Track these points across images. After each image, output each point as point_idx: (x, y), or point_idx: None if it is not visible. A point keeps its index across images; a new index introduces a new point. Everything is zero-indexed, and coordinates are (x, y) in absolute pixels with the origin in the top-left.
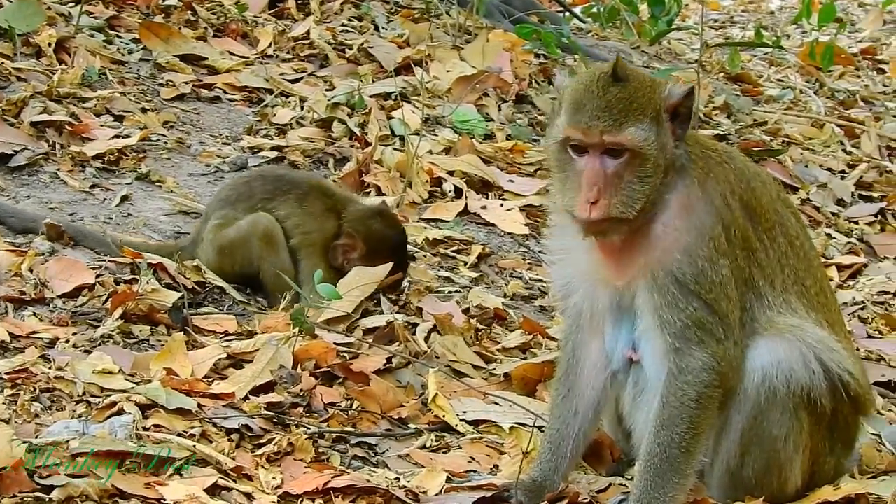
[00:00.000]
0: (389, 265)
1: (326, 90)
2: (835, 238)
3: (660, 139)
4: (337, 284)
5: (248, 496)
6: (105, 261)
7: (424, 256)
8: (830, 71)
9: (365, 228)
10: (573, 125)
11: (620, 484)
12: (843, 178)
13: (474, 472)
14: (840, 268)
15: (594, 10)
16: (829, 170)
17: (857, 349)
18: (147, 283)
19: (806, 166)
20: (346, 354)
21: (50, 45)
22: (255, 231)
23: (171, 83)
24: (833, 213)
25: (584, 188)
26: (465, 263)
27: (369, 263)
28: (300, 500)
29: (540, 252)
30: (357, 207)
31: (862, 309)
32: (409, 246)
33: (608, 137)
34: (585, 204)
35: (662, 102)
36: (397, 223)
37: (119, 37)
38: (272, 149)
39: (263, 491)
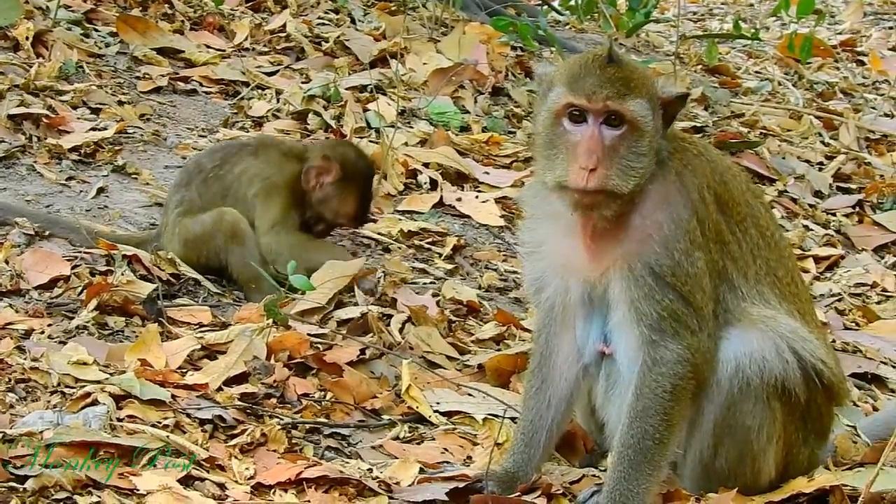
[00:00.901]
0: (362, 261)
1: (302, 83)
2: (812, 230)
3: (654, 122)
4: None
5: (222, 486)
6: (80, 252)
7: (399, 248)
8: (809, 63)
9: (341, 153)
10: (575, 93)
11: (593, 475)
12: (820, 169)
13: (447, 463)
14: (817, 259)
15: (571, 2)
16: (807, 161)
17: (834, 341)
18: (122, 274)
19: (783, 158)
20: (319, 345)
21: (27, 38)
22: (219, 227)
23: (147, 76)
24: (811, 205)
25: (582, 156)
26: (440, 255)
27: (339, 192)
28: (273, 490)
29: (515, 244)
30: (324, 141)
31: (839, 301)
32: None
33: (612, 104)
34: (582, 172)
35: (657, 92)
36: (367, 156)
37: (96, 30)
38: None
39: (236, 481)
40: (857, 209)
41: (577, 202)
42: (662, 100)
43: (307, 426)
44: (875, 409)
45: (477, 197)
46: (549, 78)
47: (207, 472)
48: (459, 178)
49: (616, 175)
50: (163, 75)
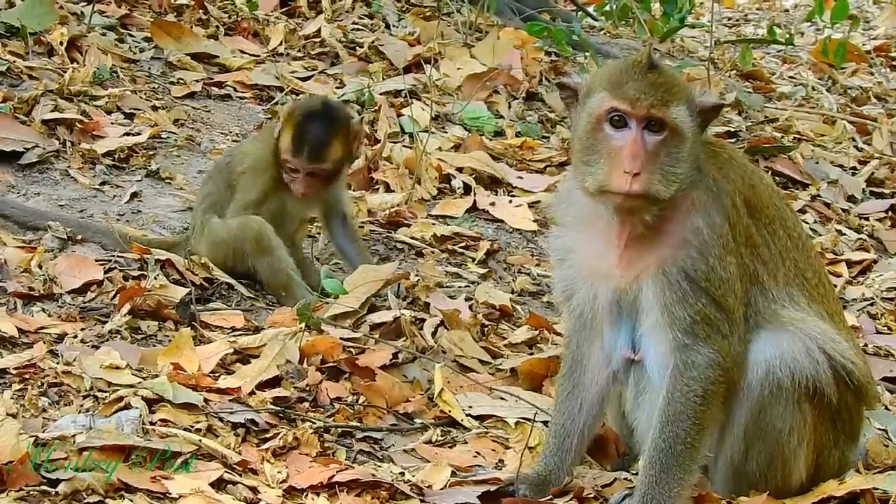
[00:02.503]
0: (394, 265)
1: (337, 88)
2: (845, 234)
3: (695, 129)
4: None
5: (254, 490)
6: (113, 256)
7: (433, 252)
8: (843, 68)
9: (298, 103)
10: (618, 97)
11: (625, 479)
12: (854, 174)
13: (480, 466)
14: (850, 264)
15: (606, 7)
16: (840, 166)
17: (866, 345)
18: (155, 278)
19: (817, 163)
20: (352, 349)
21: (62, 43)
22: (245, 234)
23: (181, 81)
24: (844, 210)
25: (626, 160)
26: (474, 259)
27: (282, 130)
28: (305, 494)
29: (547, 249)
30: None
31: (871, 305)
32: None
33: (655, 111)
34: (626, 176)
35: (695, 98)
36: (324, 101)
37: (131, 35)
38: None
39: (269, 485)
40: (890, 213)
41: (619, 206)
42: (700, 107)
43: (339, 430)
44: None
45: (510, 201)
46: (589, 83)
47: (240, 475)
48: (493, 183)
49: (658, 180)
50: (197, 80)
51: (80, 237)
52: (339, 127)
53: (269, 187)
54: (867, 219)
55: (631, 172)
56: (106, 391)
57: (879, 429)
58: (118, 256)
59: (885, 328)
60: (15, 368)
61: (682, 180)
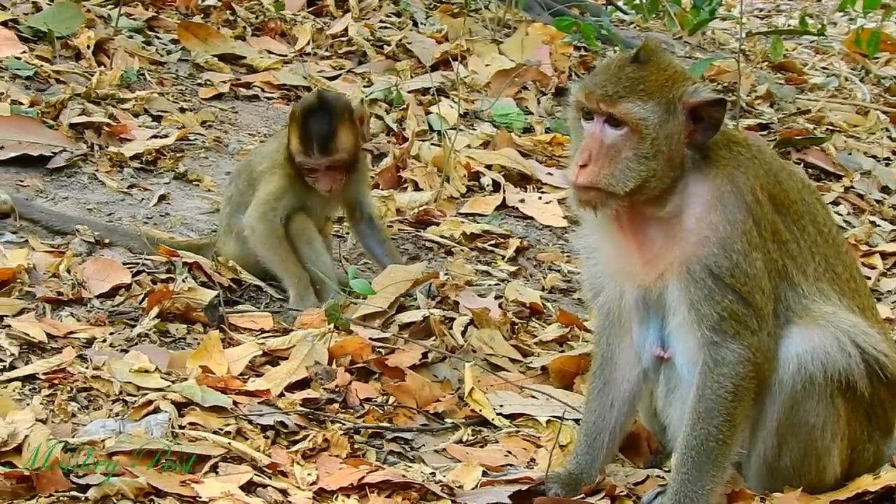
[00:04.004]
0: (423, 265)
1: (364, 86)
2: (879, 226)
3: (664, 127)
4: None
5: (284, 492)
6: (141, 260)
7: (462, 251)
8: (876, 58)
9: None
10: (581, 89)
11: (658, 476)
12: (887, 165)
13: (511, 465)
14: (884, 255)
15: (636, 1)
16: (874, 157)
17: None
18: (183, 281)
19: (850, 154)
20: (381, 350)
21: (88, 47)
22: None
23: (209, 83)
24: (877, 201)
25: (578, 153)
26: (503, 257)
27: (289, 130)
28: (336, 495)
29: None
30: None
31: None
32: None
33: (604, 106)
34: (576, 167)
35: (681, 96)
36: (321, 94)
37: (158, 37)
38: None
39: (299, 487)
40: None
41: (574, 198)
42: (689, 104)
43: (370, 431)
44: None
45: (540, 198)
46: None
47: (270, 478)
48: (522, 180)
49: (611, 175)
50: (224, 81)
51: (107, 241)
52: (341, 115)
53: (287, 183)
54: None
55: (579, 164)
56: (135, 395)
57: None
58: (146, 259)
59: None
60: (44, 374)
61: (642, 177)
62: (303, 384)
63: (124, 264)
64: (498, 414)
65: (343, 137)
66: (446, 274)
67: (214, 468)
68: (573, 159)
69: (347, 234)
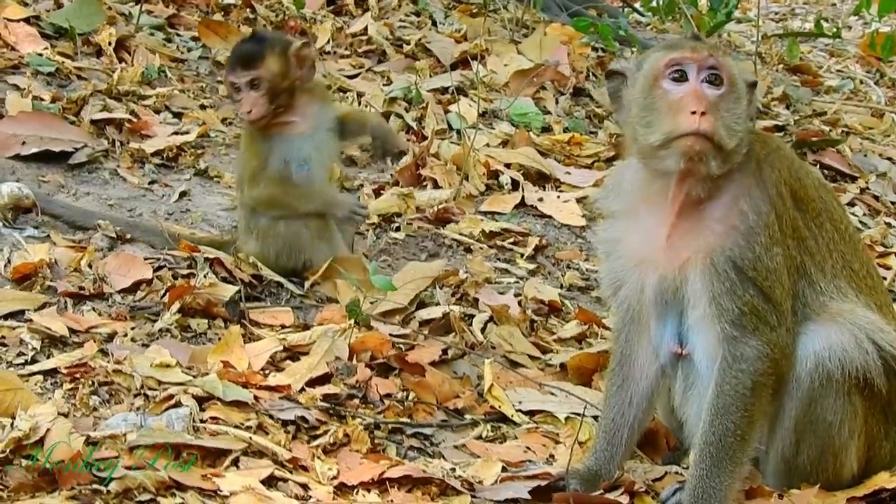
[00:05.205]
0: (443, 262)
1: (384, 85)
2: (894, 227)
3: (747, 94)
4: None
5: (304, 487)
6: (162, 255)
7: (481, 248)
8: (891, 61)
9: None
10: (677, 51)
11: (676, 473)
12: None
13: (530, 461)
14: None
15: (653, 3)
16: (889, 159)
17: None
18: (204, 276)
19: (865, 156)
20: (401, 346)
21: (110, 44)
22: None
23: None
24: (893, 202)
25: (692, 102)
26: (522, 255)
27: None
28: (356, 490)
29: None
30: None
31: None
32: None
33: (713, 59)
34: (694, 116)
35: (742, 73)
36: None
37: (178, 35)
38: None
39: (319, 482)
40: None
41: (687, 151)
42: (749, 81)
43: (390, 426)
44: None
45: (559, 197)
46: (640, 60)
47: (290, 472)
48: (541, 179)
49: (724, 126)
50: None
51: (129, 236)
52: (271, 42)
53: (261, 148)
54: None
55: (698, 112)
56: (156, 389)
57: None
58: (167, 255)
59: None
60: (66, 368)
61: (741, 137)
62: (323, 379)
63: (145, 259)
64: (517, 410)
65: (268, 59)
66: (466, 271)
67: (235, 462)
68: (674, 116)
69: (367, 230)
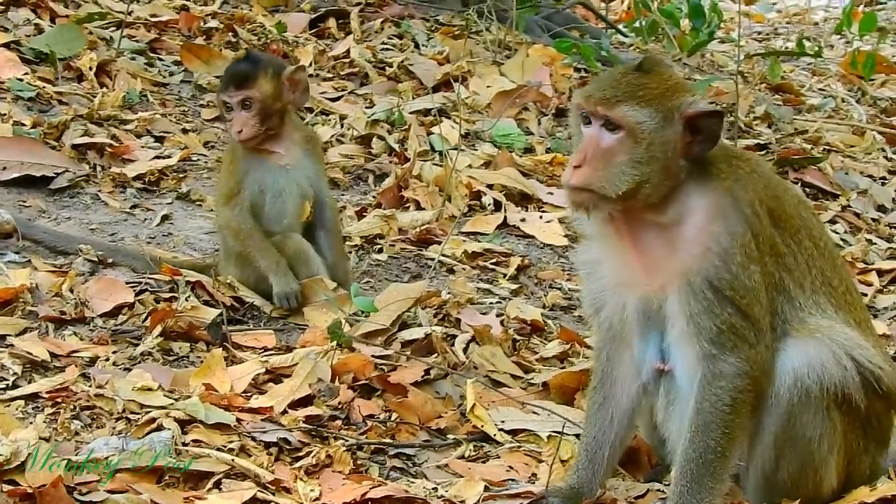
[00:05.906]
0: (425, 283)
1: (366, 108)
2: (875, 243)
3: (661, 134)
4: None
5: None
6: (144, 279)
7: (464, 269)
8: (872, 80)
9: None
10: (581, 93)
11: (658, 490)
12: (883, 184)
13: (513, 480)
14: (881, 273)
15: (636, 23)
16: (870, 177)
17: None
18: (186, 300)
19: (846, 173)
20: (384, 367)
21: (91, 68)
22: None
23: (211, 104)
24: (873, 219)
25: (573, 154)
26: (505, 275)
27: None
28: None
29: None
30: None
31: None
32: None
33: (602, 109)
34: (570, 169)
35: (680, 105)
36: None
37: (160, 59)
38: None
39: (302, 503)
40: None
41: (568, 200)
42: (686, 115)
43: (372, 447)
44: None
45: (541, 217)
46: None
47: (273, 494)
48: (523, 199)
49: (604, 177)
50: None
51: (110, 260)
52: (265, 64)
53: (240, 169)
54: None
55: (573, 165)
56: (138, 413)
57: None
58: (149, 278)
59: None
60: (47, 392)
61: (636, 182)
62: (306, 401)
63: (127, 283)
64: (499, 429)
65: (260, 80)
66: (448, 292)
67: (218, 485)
68: (570, 162)
69: (351, 252)
